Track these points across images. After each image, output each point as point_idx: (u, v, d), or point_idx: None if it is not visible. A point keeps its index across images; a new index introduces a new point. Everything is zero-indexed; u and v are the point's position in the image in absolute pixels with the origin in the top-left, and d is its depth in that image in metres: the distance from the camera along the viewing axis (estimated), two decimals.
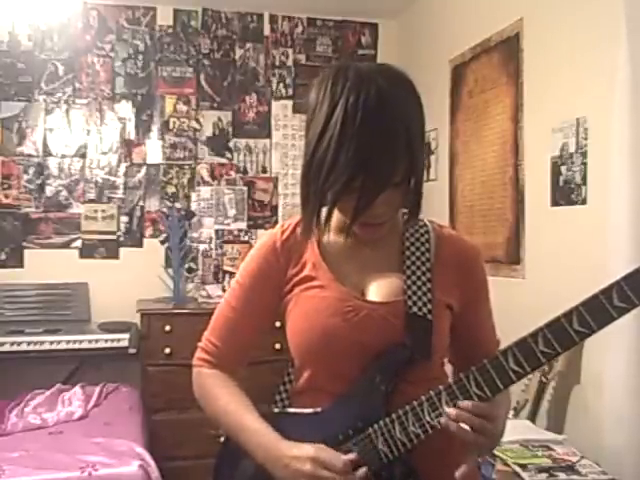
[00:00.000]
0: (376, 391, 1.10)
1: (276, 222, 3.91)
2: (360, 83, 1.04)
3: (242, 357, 1.28)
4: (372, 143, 1.02)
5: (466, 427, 1.00)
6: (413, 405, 1.05)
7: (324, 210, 1.13)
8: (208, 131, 3.88)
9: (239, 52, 3.93)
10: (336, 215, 1.14)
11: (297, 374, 1.22)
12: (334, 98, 1.05)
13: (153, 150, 3.81)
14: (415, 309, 1.12)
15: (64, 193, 3.69)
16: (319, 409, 1.15)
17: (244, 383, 1.25)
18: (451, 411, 1.00)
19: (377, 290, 1.16)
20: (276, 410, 1.25)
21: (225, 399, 1.20)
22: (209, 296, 3.70)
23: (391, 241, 1.20)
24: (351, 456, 1.05)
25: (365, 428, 1.08)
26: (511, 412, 2.16)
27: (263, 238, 1.27)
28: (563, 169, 2.38)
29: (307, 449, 1.05)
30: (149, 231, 3.79)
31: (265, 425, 1.14)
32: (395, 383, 1.10)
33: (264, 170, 3.95)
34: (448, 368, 1.24)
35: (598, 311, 0.93)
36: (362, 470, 1.04)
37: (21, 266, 3.60)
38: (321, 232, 1.18)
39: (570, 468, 1.90)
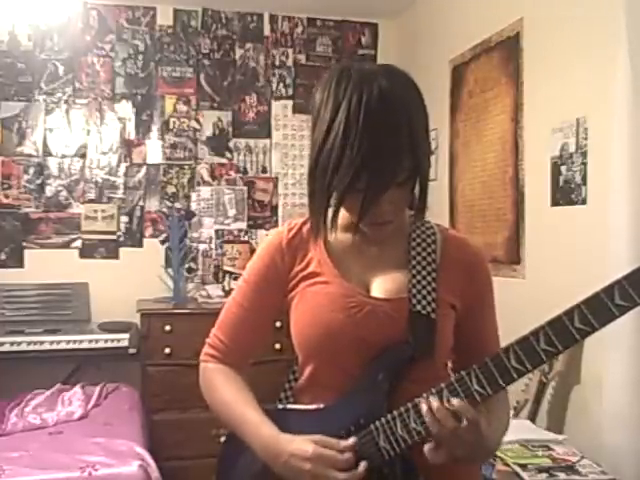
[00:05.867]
0: (378, 388, 1.10)
1: (276, 222, 3.91)
2: (362, 83, 1.05)
3: (249, 354, 1.29)
4: (375, 143, 1.03)
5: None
6: (414, 402, 1.05)
7: (331, 209, 1.14)
8: (208, 131, 3.88)
9: (239, 52, 3.93)
10: (343, 213, 1.16)
11: (301, 370, 1.23)
12: (337, 99, 1.06)
13: (153, 150, 3.81)
14: (419, 307, 1.13)
15: (64, 193, 3.69)
16: (321, 405, 1.16)
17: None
18: (433, 403, 1.00)
19: (381, 287, 1.17)
20: (280, 406, 1.25)
21: (228, 393, 1.21)
22: (209, 296, 3.70)
23: (397, 240, 1.21)
24: (350, 441, 1.05)
25: (367, 425, 1.08)
26: (511, 412, 2.15)
27: (270, 237, 1.28)
28: (563, 169, 2.38)
29: (306, 446, 1.05)
30: (149, 231, 3.78)
31: (265, 419, 1.15)
32: (397, 381, 1.11)
33: (264, 170, 3.95)
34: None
35: (600, 309, 0.93)
36: (362, 466, 1.04)
37: (21, 266, 3.60)
38: (327, 231, 1.19)
39: (570, 468, 1.90)
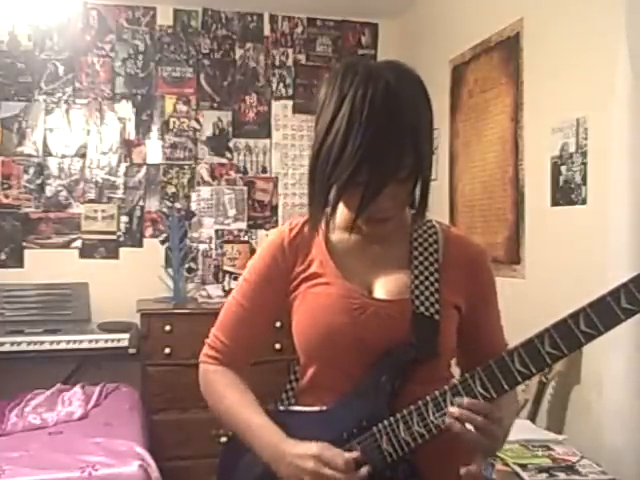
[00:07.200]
0: (381, 390, 1.10)
1: (276, 222, 3.91)
2: (368, 78, 1.05)
3: (249, 354, 1.28)
4: (378, 137, 1.03)
5: (469, 427, 1.00)
6: (418, 405, 1.05)
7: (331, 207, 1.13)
8: (208, 131, 3.88)
9: (239, 52, 3.92)
10: (344, 213, 1.16)
11: (302, 372, 1.22)
12: (342, 92, 1.05)
13: (153, 150, 3.81)
14: (422, 308, 1.12)
15: (64, 193, 3.69)
16: (324, 407, 1.15)
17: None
18: (454, 411, 1.00)
19: (384, 288, 1.16)
20: (281, 408, 1.25)
21: (231, 397, 1.20)
22: (209, 296, 3.69)
23: (399, 240, 1.20)
24: (354, 454, 1.05)
25: (369, 427, 1.08)
26: None
27: (271, 236, 1.27)
28: (563, 169, 2.38)
29: (310, 447, 1.05)
30: (149, 231, 3.78)
31: (270, 423, 1.14)
32: (401, 383, 1.10)
33: (264, 170, 3.95)
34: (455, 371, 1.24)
35: (605, 312, 0.92)
36: (364, 469, 1.04)
37: (21, 266, 3.60)
38: (329, 230, 1.19)
39: (570, 468, 1.90)
